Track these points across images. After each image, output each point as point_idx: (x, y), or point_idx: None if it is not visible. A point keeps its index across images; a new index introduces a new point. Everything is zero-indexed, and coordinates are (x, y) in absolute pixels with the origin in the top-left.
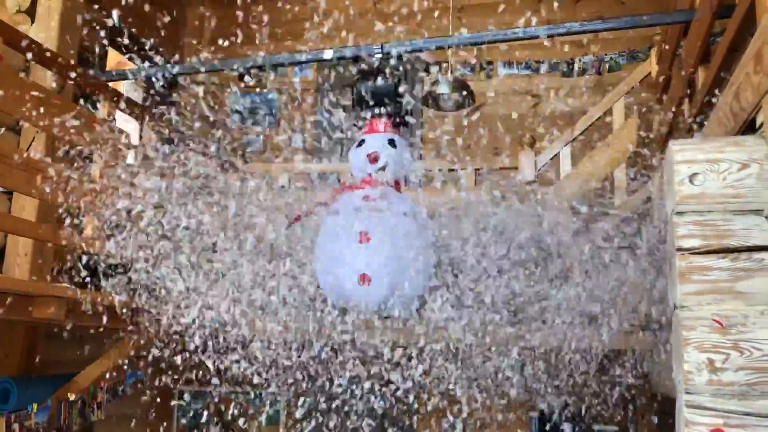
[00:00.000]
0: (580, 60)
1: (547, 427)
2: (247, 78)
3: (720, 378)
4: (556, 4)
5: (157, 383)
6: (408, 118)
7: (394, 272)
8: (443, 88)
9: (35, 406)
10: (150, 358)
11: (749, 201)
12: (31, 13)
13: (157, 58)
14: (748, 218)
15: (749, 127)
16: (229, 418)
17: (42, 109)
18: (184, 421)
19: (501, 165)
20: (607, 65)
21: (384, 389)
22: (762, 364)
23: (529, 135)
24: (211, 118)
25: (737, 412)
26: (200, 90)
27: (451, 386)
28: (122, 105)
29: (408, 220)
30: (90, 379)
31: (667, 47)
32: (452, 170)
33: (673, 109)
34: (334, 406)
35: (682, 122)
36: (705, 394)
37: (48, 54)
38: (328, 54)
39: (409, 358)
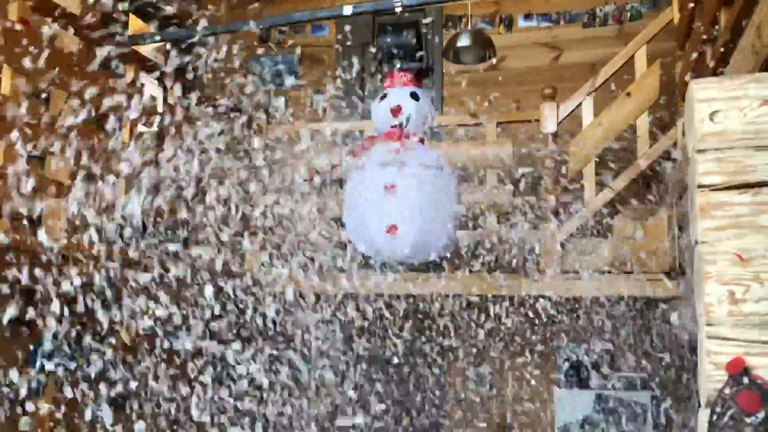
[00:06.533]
0: (600, 10)
1: (575, 374)
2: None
3: (740, 309)
4: None
5: None
6: (428, 72)
7: (420, 222)
8: (463, 42)
9: None
10: None
11: None
12: None
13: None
14: None
15: None
16: None
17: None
18: None
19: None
20: (628, 14)
21: None
22: None
23: (550, 87)
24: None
25: (758, 341)
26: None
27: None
28: (148, 70)
29: (432, 171)
30: None
31: None
32: (474, 124)
33: (695, 55)
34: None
35: (704, 67)
36: (725, 325)
37: (73, 19)
38: (347, 10)
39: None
